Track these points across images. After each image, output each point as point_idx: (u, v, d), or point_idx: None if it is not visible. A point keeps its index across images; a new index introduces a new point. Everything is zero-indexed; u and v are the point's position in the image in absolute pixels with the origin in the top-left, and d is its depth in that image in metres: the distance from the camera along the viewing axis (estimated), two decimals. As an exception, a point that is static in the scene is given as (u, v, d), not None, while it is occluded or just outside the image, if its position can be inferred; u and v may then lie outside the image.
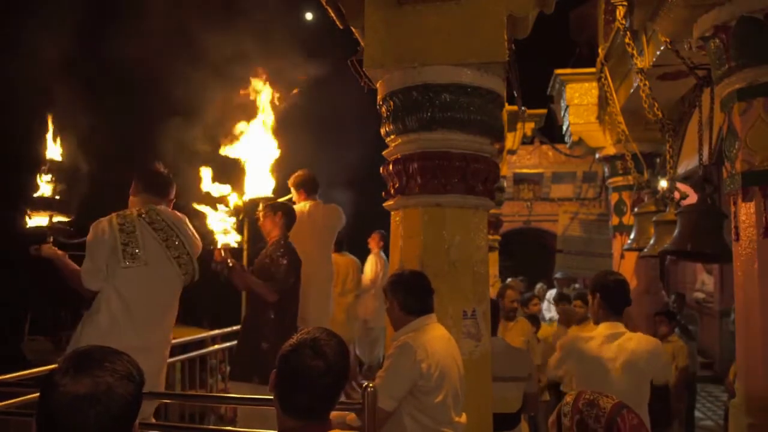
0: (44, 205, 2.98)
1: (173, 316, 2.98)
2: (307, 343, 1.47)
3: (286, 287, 3.64)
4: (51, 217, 2.97)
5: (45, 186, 3.02)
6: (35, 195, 2.99)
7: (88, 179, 3.11)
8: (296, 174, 4.54)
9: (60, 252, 2.89)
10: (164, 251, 2.85)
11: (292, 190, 4.53)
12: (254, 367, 3.57)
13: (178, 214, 3.04)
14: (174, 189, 3.11)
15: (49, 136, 3.06)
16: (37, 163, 3.03)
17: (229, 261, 3.43)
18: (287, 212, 3.85)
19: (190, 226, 3.07)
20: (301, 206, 4.41)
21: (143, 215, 2.86)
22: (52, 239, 2.92)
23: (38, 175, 3.02)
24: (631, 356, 2.72)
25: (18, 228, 2.96)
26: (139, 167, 3.08)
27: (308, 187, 4.50)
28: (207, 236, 3.33)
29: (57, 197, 3.00)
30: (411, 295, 2.43)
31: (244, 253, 4.50)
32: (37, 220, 2.98)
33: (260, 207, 3.92)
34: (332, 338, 1.51)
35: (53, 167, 3.03)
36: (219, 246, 3.38)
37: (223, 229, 3.62)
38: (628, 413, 1.43)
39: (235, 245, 3.57)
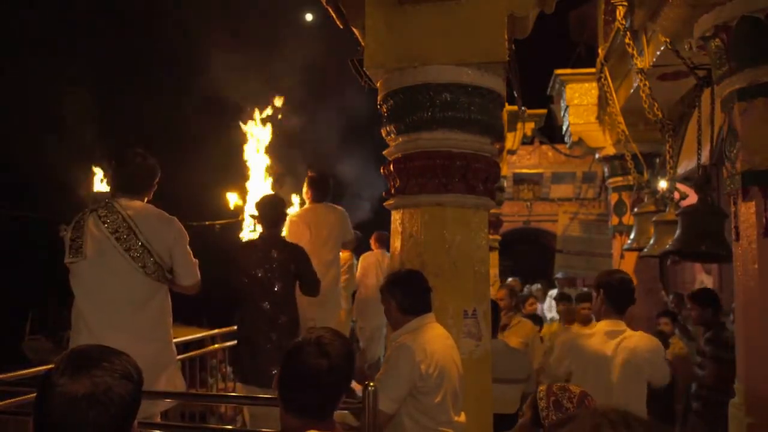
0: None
1: (148, 313, 2.72)
2: (312, 341, 1.48)
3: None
4: None
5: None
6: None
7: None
8: (310, 174, 4.53)
9: None
10: (112, 244, 2.66)
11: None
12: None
13: (141, 204, 2.79)
14: (150, 182, 2.86)
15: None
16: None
17: None
18: (260, 207, 3.76)
19: (161, 215, 2.79)
20: (305, 208, 4.45)
21: (98, 209, 2.74)
22: None
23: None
24: (630, 354, 2.72)
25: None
26: (115, 156, 2.86)
27: (317, 191, 4.48)
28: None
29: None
30: (408, 295, 2.43)
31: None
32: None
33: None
34: (337, 338, 1.51)
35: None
36: None
37: None
38: (592, 399, 1.61)
39: None
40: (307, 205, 4.49)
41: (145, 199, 2.85)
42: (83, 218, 2.72)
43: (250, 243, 3.75)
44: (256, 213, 3.76)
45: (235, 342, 4.21)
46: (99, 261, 2.66)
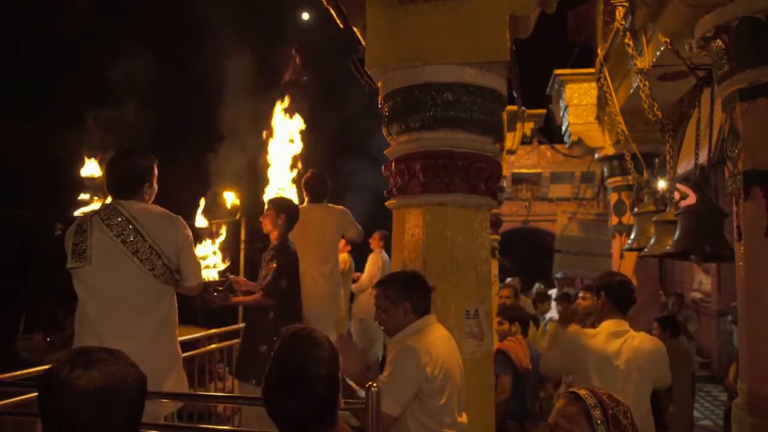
0: None
1: (157, 316, 2.66)
2: (289, 379, 1.38)
3: (278, 290, 3.61)
4: None
5: None
6: None
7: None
8: (306, 175, 4.54)
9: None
10: (119, 247, 2.57)
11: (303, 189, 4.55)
12: (252, 368, 3.57)
13: (143, 205, 2.70)
14: (143, 183, 2.73)
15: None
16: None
17: (226, 299, 3.55)
18: (290, 214, 3.83)
19: (166, 215, 2.72)
20: (302, 208, 4.42)
21: (101, 212, 2.66)
22: None
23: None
24: (634, 354, 2.72)
25: None
26: (107, 159, 2.78)
27: (313, 191, 4.48)
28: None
29: None
30: (409, 297, 2.39)
31: (241, 254, 4.49)
32: None
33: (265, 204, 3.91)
34: (320, 367, 1.39)
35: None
36: (212, 290, 3.44)
37: (210, 264, 3.62)
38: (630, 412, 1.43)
39: (219, 276, 3.62)
40: (304, 205, 4.47)
41: (147, 200, 2.76)
42: (87, 222, 2.63)
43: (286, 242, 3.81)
44: (280, 218, 3.79)
45: (233, 341, 4.21)
46: (105, 266, 2.58)
